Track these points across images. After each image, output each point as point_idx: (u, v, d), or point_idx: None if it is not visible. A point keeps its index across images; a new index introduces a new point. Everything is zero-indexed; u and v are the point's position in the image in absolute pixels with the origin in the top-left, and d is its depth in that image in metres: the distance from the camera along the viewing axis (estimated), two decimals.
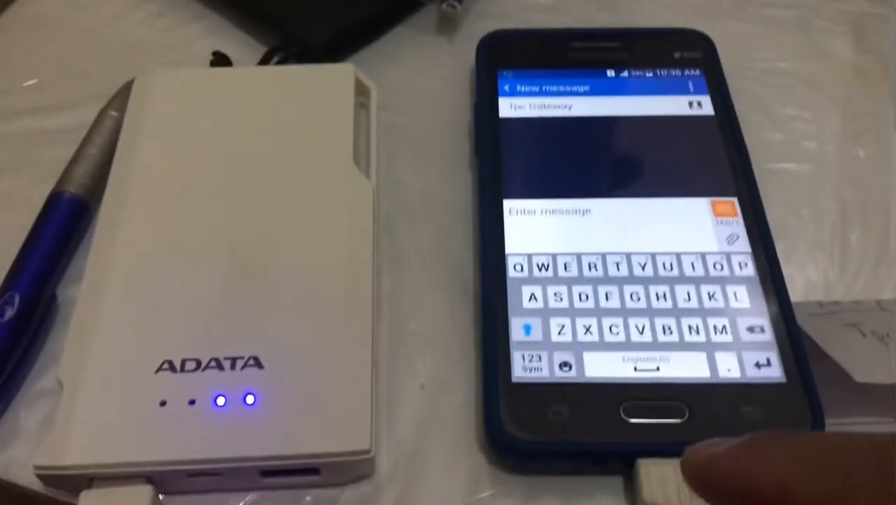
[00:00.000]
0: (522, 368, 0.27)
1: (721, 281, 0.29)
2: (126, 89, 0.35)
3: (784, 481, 0.17)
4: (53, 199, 0.32)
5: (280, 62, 0.37)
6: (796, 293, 0.30)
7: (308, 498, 0.26)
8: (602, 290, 0.29)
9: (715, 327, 0.28)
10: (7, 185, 0.34)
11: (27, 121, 0.37)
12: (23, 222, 0.32)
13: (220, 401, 0.26)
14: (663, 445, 0.26)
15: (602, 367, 0.27)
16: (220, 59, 0.38)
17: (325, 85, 0.35)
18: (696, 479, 0.19)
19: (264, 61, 0.37)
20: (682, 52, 0.37)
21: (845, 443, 0.17)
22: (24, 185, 0.34)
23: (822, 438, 0.19)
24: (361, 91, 0.35)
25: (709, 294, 0.29)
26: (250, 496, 0.26)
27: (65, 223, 0.32)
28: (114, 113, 0.35)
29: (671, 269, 0.30)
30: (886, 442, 0.16)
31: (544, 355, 0.28)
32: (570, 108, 0.35)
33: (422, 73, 0.39)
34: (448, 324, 0.30)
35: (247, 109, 0.34)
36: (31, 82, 0.38)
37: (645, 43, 0.37)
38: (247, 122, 0.33)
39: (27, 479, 0.27)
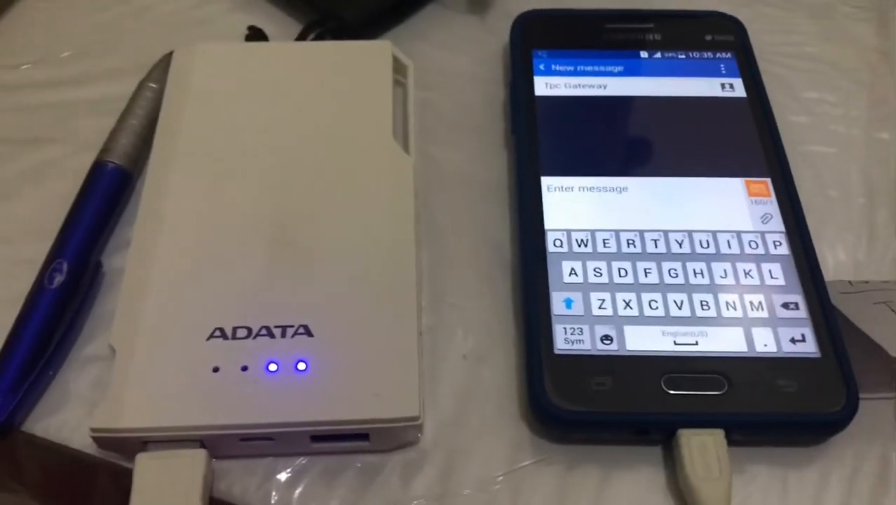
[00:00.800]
0: (564, 341, 0.28)
1: (756, 259, 0.30)
2: (165, 62, 0.36)
3: None
4: (97, 169, 0.32)
5: (316, 39, 0.38)
6: (827, 273, 0.31)
7: (356, 464, 0.27)
8: (641, 265, 0.30)
9: (751, 304, 0.29)
10: (48, 154, 0.35)
11: (65, 91, 0.37)
12: (65, 190, 0.32)
13: (272, 367, 0.26)
14: (703, 416, 0.27)
15: (642, 340, 0.28)
16: (255, 34, 0.38)
17: (363, 61, 0.35)
18: None
19: (301, 37, 0.37)
20: (714, 35, 0.37)
21: None
22: (65, 154, 0.35)
23: None
24: (398, 68, 0.36)
25: (745, 271, 0.30)
26: (300, 461, 0.27)
27: (109, 193, 0.32)
28: (153, 85, 0.35)
29: (708, 246, 0.30)
30: None
31: (585, 329, 0.28)
32: (604, 87, 0.35)
33: (455, 52, 0.39)
34: (486, 297, 0.31)
35: (286, 83, 0.34)
36: (67, 53, 0.38)
37: (677, 25, 0.37)
38: (287, 95, 0.34)
39: (79, 441, 0.28)
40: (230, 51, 0.36)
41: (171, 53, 0.36)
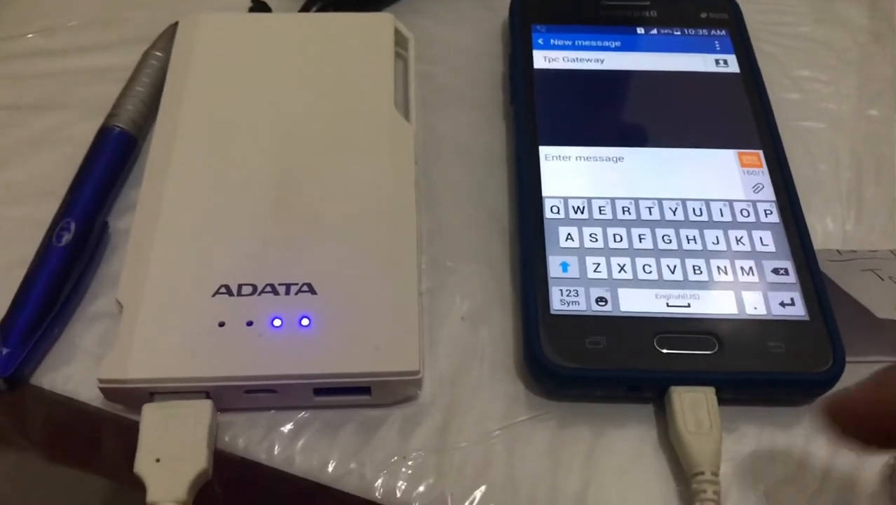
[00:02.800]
0: (560, 302, 0.29)
1: (748, 226, 0.31)
2: (170, 32, 0.36)
3: None
4: (104, 133, 0.33)
5: (319, 11, 0.38)
6: (816, 243, 0.31)
7: (357, 418, 0.28)
8: (635, 232, 0.31)
9: (742, 269, 0.30)
10: (55, 120, 0.35)
11: (71, 60, 0.38)
12: (71, 155, 0.33)
13: (277, 322, 0.27)
14: (695, 374, 0.27)
15: (636, 302, 0.29)
16: (259, 6, 0.39)
17: (365, 32, 0.36)
18: (837, 419, 0.21)
19: (305, 9, 0.38)
20: (709, 13, 0.38)
21: None
22: (72, 120, 0.35)
23: None
24: (399, 41, 0.36)
25: (736, 238, 0.30)
26: (302, 415, 0.28)
27: (115, 156, 0.33)
28: (159, 54, 0.36)
29: (701, 214, 0.31)
30: None
31: (581, 290, 0.29)
32: (601, 62, 0.36)
33: (455, 27, 0.40)
34: (484, 262, 0.32)
35: (289, 53, 0.35)
36: (73, 23, 0.39)
37: (673, 3, 0.38)
38: (290, 65, 0.34)
39: (86, 394, 0.28)
40: (234, 21, 0.36)
41: (176, 24, 0.36)
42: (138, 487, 0.26)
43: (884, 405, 0.20)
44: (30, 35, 0.39)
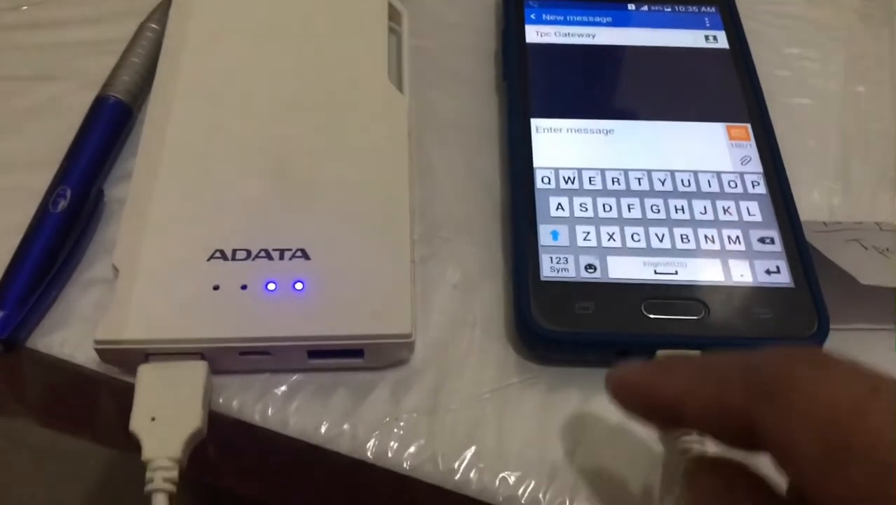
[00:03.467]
0: (550, 269, 0.29)
1: (735, 197, 0.31)
2: (165, 4, 0.36)
3: (679, 393, 0.20)
4: (100, 103, 0.33)
5: None
6: (802, 215, 0.32)
7: (349, 381, 0.28)
8: (624, 201, 0.31)
9: (729, 238, 0.30)
10: (51, 91, 0.36)
11: (67, 31, 0.38)
12: (66, 125, 0.33)
13: (271, 286, 0.27)
14: (682, 339, 0.28)
15: (624, 269, 0.29)
16: None
17: (358, 5, 0.36)
18: (615, 392, 0.23)
19: None
20: None
21: (724, 358, 0.20)
22: (68, 91, 0.35)
23: (709, 358, 0.22)
24: (392, 15, 0.37)
25: (723, 208, 0.31)
26: (295, 378, 0.28)
27: (111, 125, 0.33)
28: (154, 26, 0.36)
29: (689, 185, 0.32)
30: (749, 355, 0.19)
31: (570, 258, 0.29)
32: (593, 37, 0.36)
33: (448, 2, 0.40)
34: (476, 232, 0.32)
35: (284, 24, 0.35)
36: None
37: None
38: (284, 36, 0.35)
39: (82, 357, 0.29)
40: None
41: None
42: (132, 448, 0.26)
43: (657, 389, 0.21)
44: (24, 7, 0.39)
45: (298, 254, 0.28)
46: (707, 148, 0.33)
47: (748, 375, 0.19)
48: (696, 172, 0.32)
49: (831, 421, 0.17)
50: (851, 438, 0.16)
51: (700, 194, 0.31)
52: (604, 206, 0.31)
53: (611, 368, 0.23)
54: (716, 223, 0.30)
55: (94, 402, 0.29)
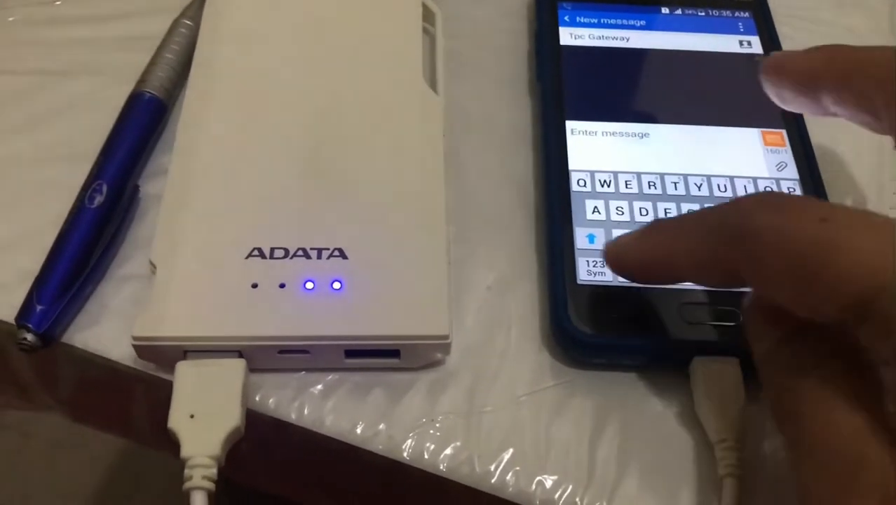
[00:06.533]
0: (587, 273, 0.29)
1: None
2: (198, 1, 0.36)
3: (669, 252, 0.25)
4: (135, 99, 0.33)
5: None
6: None
7: (385, 381, 0.28)
8: (661, 206, 0.31)
9: None
10: (84, 86, 0.36)
11: (98, 27, 0.38)
12: (101, 120, 0.33)
13: (309, 285, 0.27)
14: (719, 345, 0.28)
15: None
16: None
17: (393, 5, 0.36)
18: (612, 261, 0.26)
19: None
20: None
21: (701, 213, 0.25)
22: (101, 86, 0.35)
23: (689, 215, 0.26)
24: (426, 16, 0.37)
25: None
26: (332, 377, 0.28)
27: (146, 121, 0.33)
28: (188, 23, 0.36)
29: (725, 190, 0.31)
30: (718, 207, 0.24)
31: None
32: (627, 40, 0.36)
33: (481, 4, 0.40)
34: (509, 234, 0.32)
35: (319, 22, 0.35)
36: None
37: None
38: (320, 34, 0.35)
39: (117, 353, 0.29)
40: None
41: None
42: (165, 446, 0.26)
43: (649, 252, 0.25)
44: (58, 2, 0.39)
45: (336, 253, 0.28)
46: (742, 153, 0.33)
47: (721, 228, 0.23)
48: (732, 178, 0.32)
49: (796, 253, 0.20)
50: (812, 264, 0.20)
51: None
52: (640, 209, 0.31)
53: (608, 242, 0.27)
54: None
55: (128, 398, 0.29)
